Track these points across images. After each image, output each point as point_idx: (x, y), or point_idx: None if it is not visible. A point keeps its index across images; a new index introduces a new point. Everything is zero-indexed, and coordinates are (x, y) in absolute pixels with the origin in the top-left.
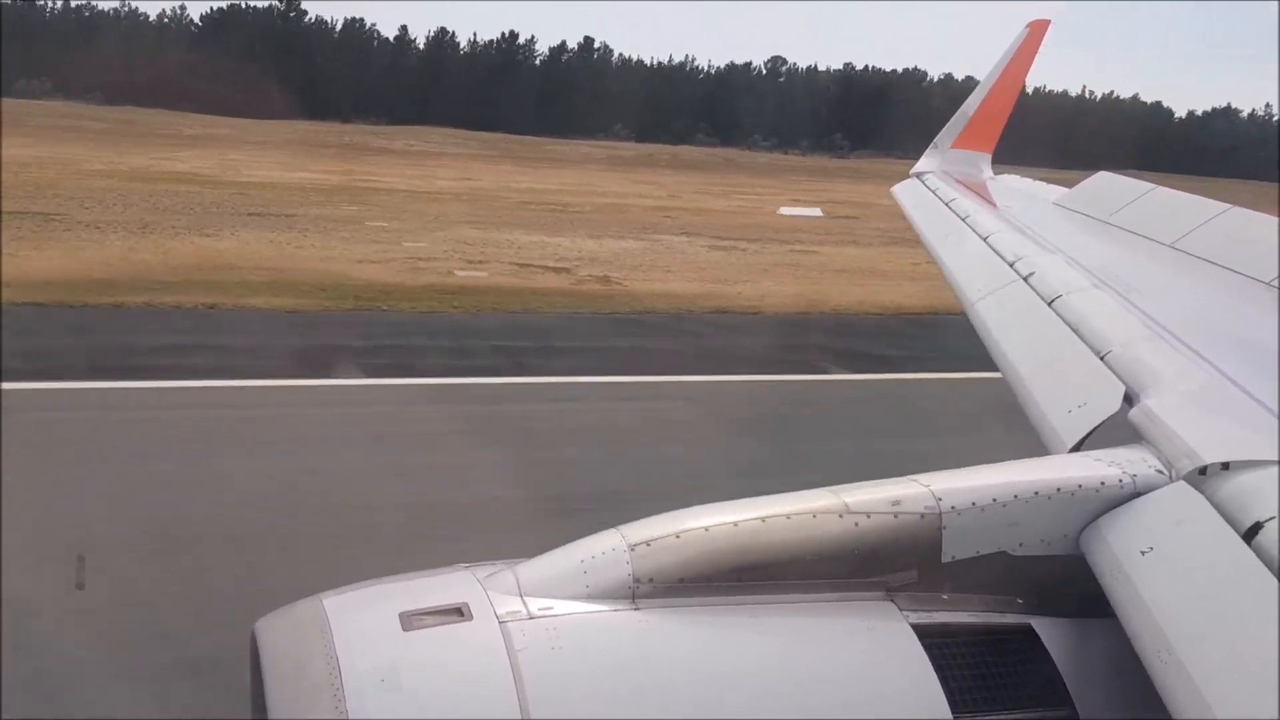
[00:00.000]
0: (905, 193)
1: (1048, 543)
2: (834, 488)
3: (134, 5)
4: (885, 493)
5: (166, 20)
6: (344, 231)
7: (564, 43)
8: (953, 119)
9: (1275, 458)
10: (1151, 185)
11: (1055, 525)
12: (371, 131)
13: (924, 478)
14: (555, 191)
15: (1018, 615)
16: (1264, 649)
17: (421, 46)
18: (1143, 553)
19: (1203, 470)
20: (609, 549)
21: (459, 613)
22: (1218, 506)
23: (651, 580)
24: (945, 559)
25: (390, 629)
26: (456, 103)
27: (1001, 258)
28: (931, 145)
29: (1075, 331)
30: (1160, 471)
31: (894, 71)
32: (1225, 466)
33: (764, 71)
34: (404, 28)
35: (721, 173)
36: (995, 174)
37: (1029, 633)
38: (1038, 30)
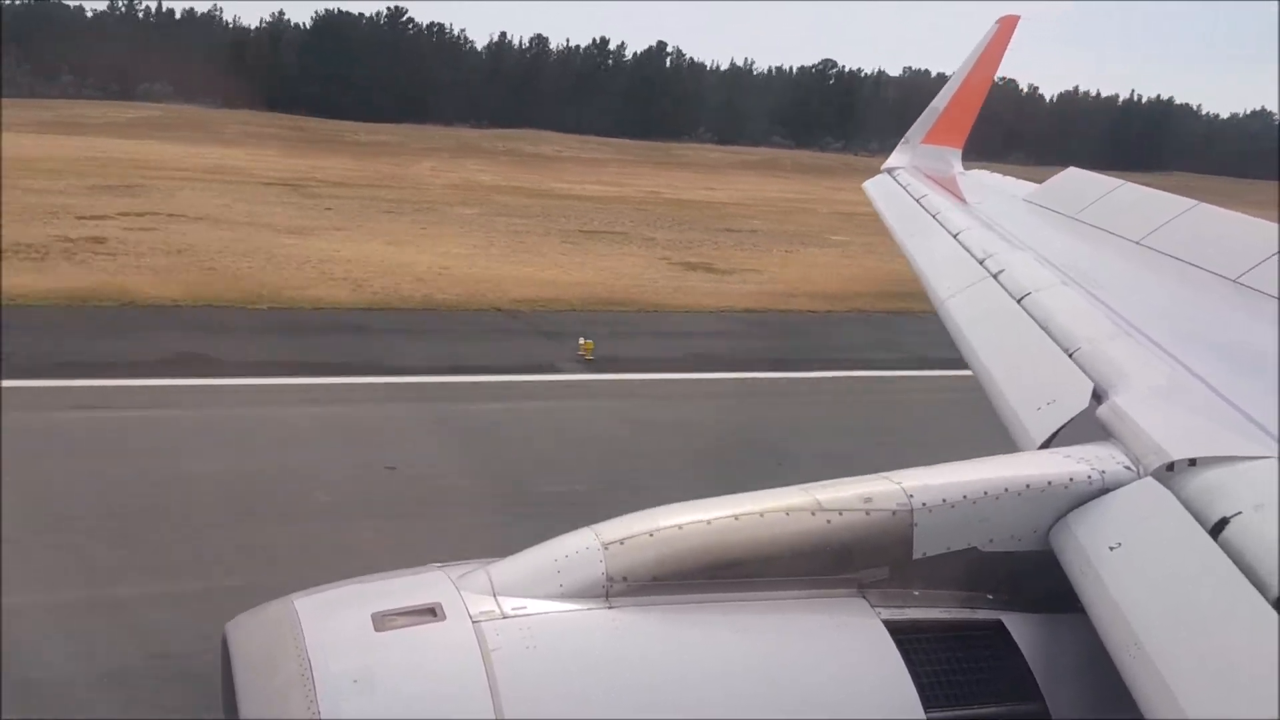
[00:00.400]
0: (876, 188)
1: (1018, 539)
2: (807, 485)
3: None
4: (857, 490)
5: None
6: (826, 245)
7: (655, 45)
8: (923, 114)
9: (1241, 454)
10: (1120, 181)
11: (1025, 521)
12: (500, 136)
13: (896, 475)
14: (773, 200)
15: (988, 611)
16: (1230, 643)
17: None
18: (1111, 548)
19: (1170, 466)
20: (582, 548)
21: (432, 613)
22: (1185, 502)
23: (625, 579)
24: (916, 555)
25: (363, 629)
26: (554, 106)
27: (971, 255)
28: (903, 140)
29: (1044, 329)
30: (1128, 468)
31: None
32: (1192, 463)
33: (813, 73)
34: (503, 34)
35: (844, 175)
36: (966, 169)
37: (999, 628)
38: (1007, 26)
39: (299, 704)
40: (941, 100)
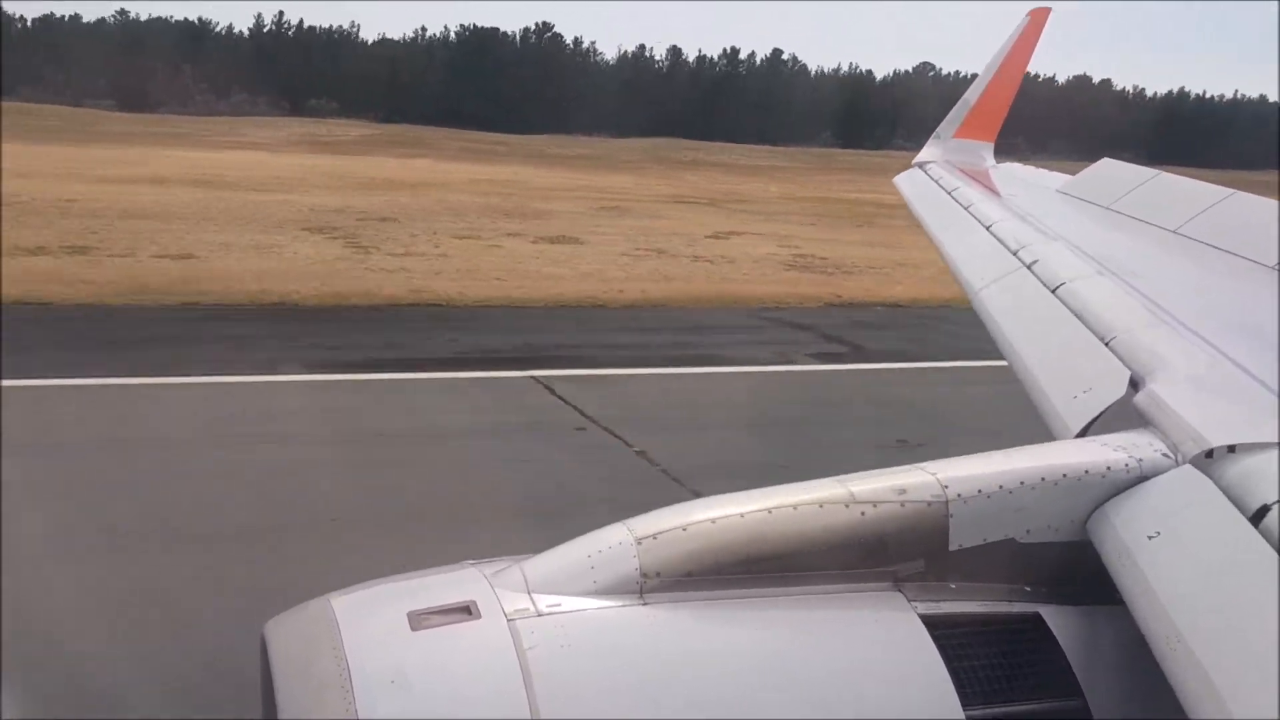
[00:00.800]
0: (907, 183)
1: (1055, 529)
2: (840, 477)
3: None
4: (891, 481)
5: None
6: None
7: (776, 51)
8: (954, 108)
9: None
10: (1155, 171)
11: (1062, 511)
12: (666, 145)
13: (930, 465)
14: None
15: (1026, 603)
16: (1272, 633)
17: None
18: (1150, 537)
19: (1209, 453)
20: (615, 543)
21: (467, 611)
22: (1224, 490)
23: (659, 574)
24: (952, 547)
25: (399, 628)
26: (693, 114)
27: (1005, 246)
28: (934, 135)
29: (1079, 318)
30: (1166, 455)
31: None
32: (1231, 449)
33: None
34: (641, 45)
35: None
36: (998, 162)
37: (1037, 621)
38: (1038, 19)
39: (337, 704)
40: (973, 94)
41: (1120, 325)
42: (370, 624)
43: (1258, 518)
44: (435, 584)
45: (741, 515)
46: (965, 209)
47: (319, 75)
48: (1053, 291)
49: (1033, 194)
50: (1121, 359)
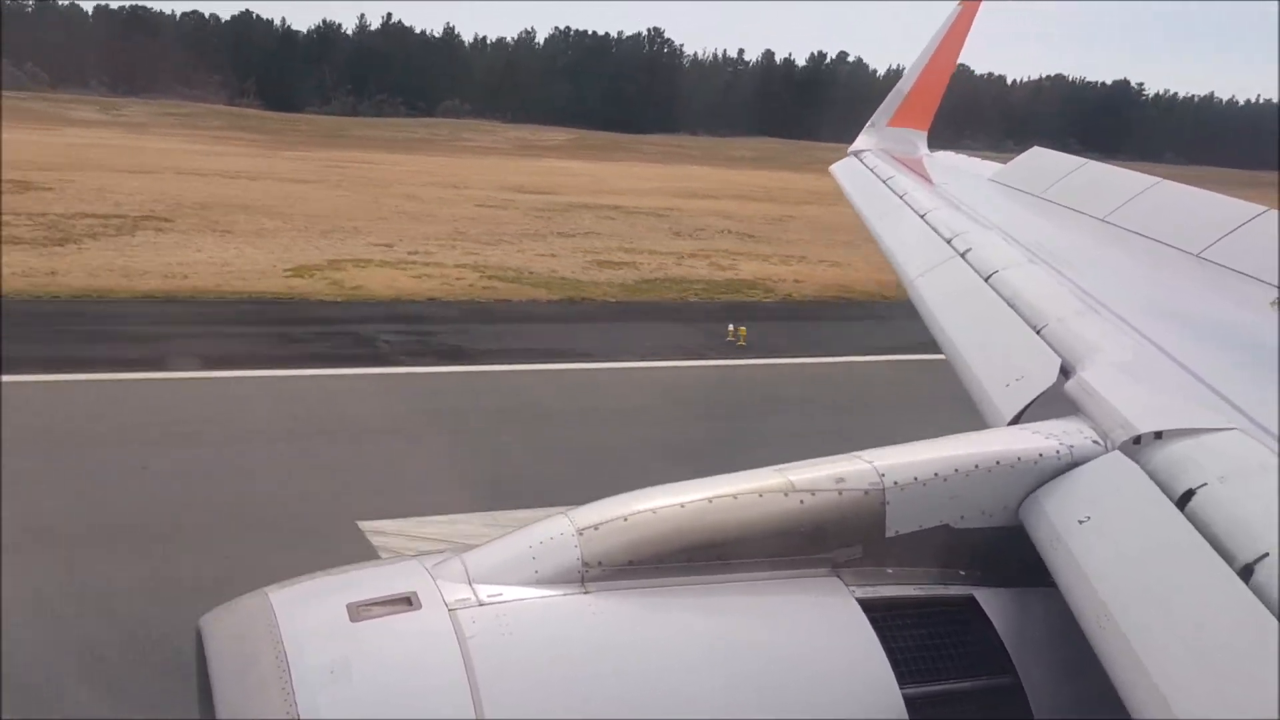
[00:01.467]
0: (843, 171)
1: (988, 515)
2: (780, 466)
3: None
4: (830, 470)
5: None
6: None
7: (841, 54)
8: (888, 97)
9: (1206, 426)
10: (1083, 160)
11: (995, 497)
12: (763, 144)
13: (867, 454)
14: None
15: (961, 586)
16: (1197, 612)
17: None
18: (1080, 522)
19: (1137, 440)
20: (557, 534)
21: (408, 602)
22: (1152, 475)
23: (600, 564)
24: (889, 534)
25: (338, 620)
26: (789, 113)
27: (939, 235)
28: (869, 123)
29: (1012, 306)
30: (1096, 442)
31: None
32: (1158, 436)
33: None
34: (740, 50)
35: None
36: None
37: (972, 603)
38: (969, 10)
39: (276, 697)
40: (906, 83)
41: (1051, 313)
42: (309, 616)
43: (1183, 501)
44: (375, 576)
45: (682, 505)
46: (900, 197)
47: (447, 76)
48: (985, 280)
49: (965, 182)
50: (1053, 347)
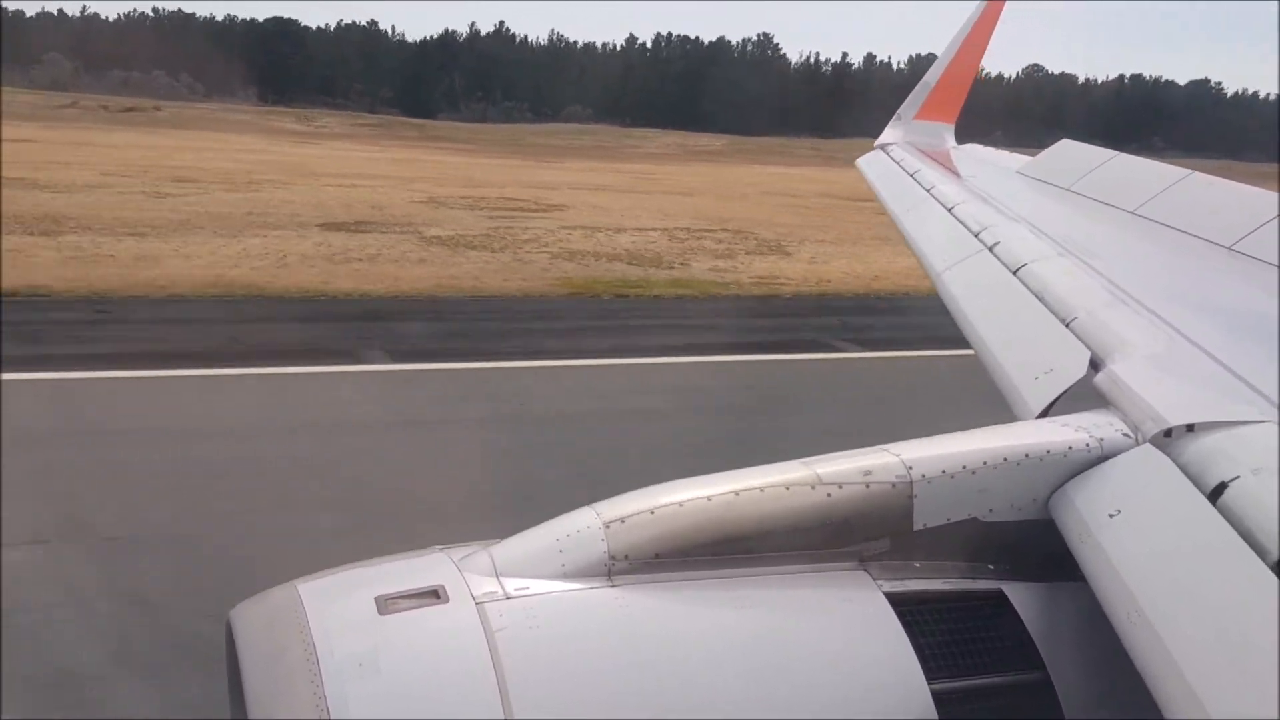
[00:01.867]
0: (870, 165)
1: (1017, 508)
2: (806, 459)
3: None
4: (857, 463)
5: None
6: None
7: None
8: (915, 90)
9: (1238, 418)
10: (1113, 153)
11: (1024, 491)
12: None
13: (895, 447)
14: None
15: (989, 581)
16: (1228, 606)
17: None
18: (1110, 516)
19: (1168, 433)
20: (583, 527)
21: (435, 595)
22: (1183, 468)
23: (627, 557)
24: (917, 527)
25: (366, 613)
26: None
27: (966, 228)
28: (895, 117)
29: (1040, 299)
30: (1126, 435)
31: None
32: (1190, 428)
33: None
34: (817, 53)
35: None
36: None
37: (1000, 598)
38: (995, 5)
39: (305, 689)
40: (933, 76)
41: (1081, 306)
42: (337, 609)
43: (1215, 495)
44: (402, 569)
45: (709, 498)
46: (927, 191)
47: (565, 82)
48: (1014, 273)
49: (993, 175)
50: (1082, 340)
